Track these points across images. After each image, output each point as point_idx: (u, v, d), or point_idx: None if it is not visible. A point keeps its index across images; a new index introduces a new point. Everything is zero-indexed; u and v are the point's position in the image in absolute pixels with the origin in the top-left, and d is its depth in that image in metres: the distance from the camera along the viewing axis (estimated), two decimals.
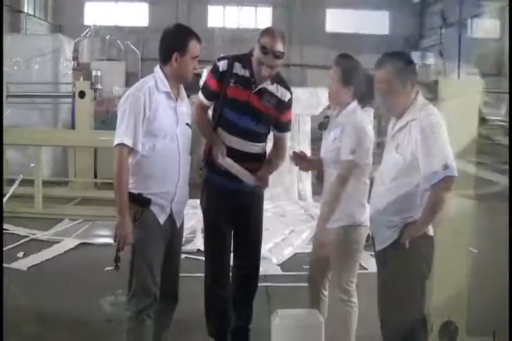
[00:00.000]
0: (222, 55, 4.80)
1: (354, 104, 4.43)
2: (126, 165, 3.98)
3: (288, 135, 4.89)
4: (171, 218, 4.22)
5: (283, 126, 4.79)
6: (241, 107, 4.53)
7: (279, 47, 4.39)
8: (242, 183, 4.58)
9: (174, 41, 4.13)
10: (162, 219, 4.15)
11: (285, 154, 4.88)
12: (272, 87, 4.61)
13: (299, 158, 4.68)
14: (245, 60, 4.57)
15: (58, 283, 6.50)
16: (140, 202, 4.07)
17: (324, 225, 4.38)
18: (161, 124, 4.07)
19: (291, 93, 4.73)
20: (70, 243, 8.13)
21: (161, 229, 4.15)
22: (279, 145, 4.85)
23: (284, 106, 4.69)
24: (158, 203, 4.12)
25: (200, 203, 4.85)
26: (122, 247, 4.01)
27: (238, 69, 4.57)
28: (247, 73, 4.55)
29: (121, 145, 3.95)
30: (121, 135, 3.96)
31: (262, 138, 4.72)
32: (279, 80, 4.66)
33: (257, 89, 4.55)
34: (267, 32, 4.46)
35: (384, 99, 3.87)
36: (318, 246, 4.60)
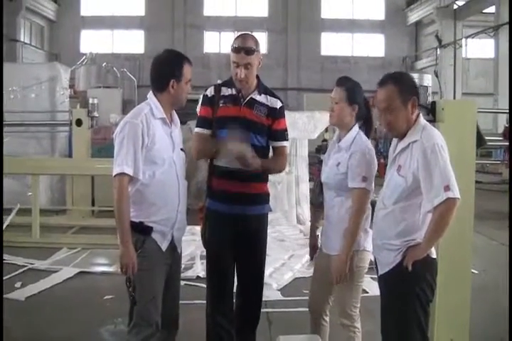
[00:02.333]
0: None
1: (356, 127, 4.40)
2: (127, 194, 3.96)
3: (286, 145, 4.82)
4: (172, 244, 4.21)
5: (279, 135, 4.75)
6: (232, 122, 4.53)
7: (250, 43, 4.52)
8: (245, 208, 4.58)
9: (170, 68, 4.14)
10: (164, 246, 4.14)
11: (285, 162, 4.86)
12: (261, 97, 4.66)
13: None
14: (229, 82, 4.69)
15: (57, 312, 6.43)
16: (142, 230, 4.05)
17: (326, 255, 4.38)
18: (160, 151, 4.06)
19: (281, 102, 4.77)
20: (68, 272, 8.05)
21: (162, 256, 4.14)
22: (278, 155, 4.78)
23: (277, 114, 4.70)
24: (160, 230, 4.10)
25: (202, 233, 4.80)
26: (131, 276, 3.99)
27: (225, 91, 4.66)
28: (233, 91, 4.64)
29: (122, 174, 3.93)
30: (121, 164, 3.94)
31: (262, 152, 4.64)
32: (267, 92, 4.72)
33: (246, 100, 4.61)
34: (238, 36, 4.62)
35: (385, 118, 3.84)
36: (319, 271, 4.57)
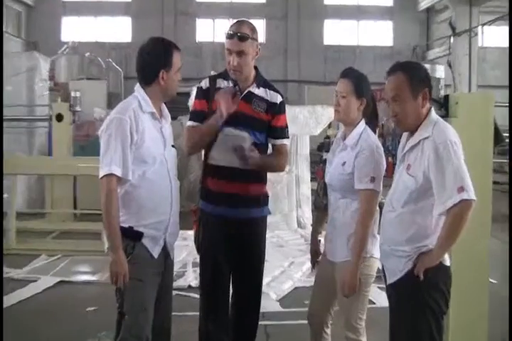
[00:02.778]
0: None
1: (363, 123, 4.39)
2: (116, 197, 3.95)
3: (287, 143, 4.84)
4: (164, 250, 4.21)
5: (278, 132, 4.76)
6: (230, 118, 4.52)
7: (244, 29, 4.53)
8: (242, 211, 4.59)
9: (158, 58, 4.13)
10: (156, 252, 4.13)
11: (285, 161, 4.88)
12: (260, 91, 4.68)
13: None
14: (225, 73, 4.70)
15: (35, 326, 6.42)
16: (131, 236, 4.04)
17: (330, 262, 4.37)
18: (150, 148, 4.06)
19: (282, 96, 4.78)
20: (47, 281, 8.04)
21: (154, 263, 4.13)
22: (278, 154, 4.79)
23: (276, 109, 4.71)
24: (151, 235, 4.10)
25: (195, 238, 4.80)
26: (122, 286, 3.97)
27: (221, 83, 4.67)
28: (230, 83, 4.65)
29: (110, 175, 3.92)
30: (109, 164, 3.92)
31: (261, 151, 4.65)
32: (266, 85, 4.74)
33: (244, 94, 4.61)
34: (234, 22, 4.64)
35: (392, 109, 3.83)
36: (321, 280, 4.56)
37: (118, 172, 3.92)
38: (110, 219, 3.92)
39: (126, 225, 4.01)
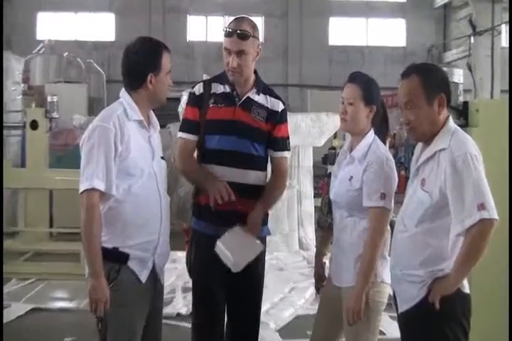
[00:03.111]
0: None
1: (372, 133, 4.41)
2: (98, 214, 3.94)
3: (288, 155, 4.87)
4: (153, 274, 4.19)
5: (279, 144, 4.79)
6: (226, 127, 4.56)
7: (245, 26, 4.54)
8: None
9: (146, 60, 4.15)
10: (143, 276, 4.12)
11: (285, 181, 4.91)
12: (260, 98, 4.69)
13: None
14: (222, 76, 4.71)
15: None
16: (116, 258, 4.03)
17: (336, 287, 4.38)
18: (136, 160, 4.06)
19: (284, 104, 4.80)
20: (19, 308, 8.03)
21: (142, 289, 4.11)
22: (277, 170, 4.83)
23: (278, 118, 4.73)
24: (138, 257, 4.08)
25: (187, 260, 4.80)
26: (102, 315, 3.95)
27: (216, 87, 4.67)
28: (227, 88, 4.66)
29: (92, 190, 3.91)
30: (91, 177, 3.92)
31: (260, 164, 4.70)
32: (266, 91, 4.75)
33: (242, 100, 4.62)
34: (234, 18, 4.66)
35: (405, 116, 3.84)
36: (326, 307, 4.55)
37: (101, 186, 3.91)
38: (91, 239, 3.90)
39: (109, 246, 4.00)
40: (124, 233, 4.04)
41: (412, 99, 3.80)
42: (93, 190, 3.90)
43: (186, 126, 4.71)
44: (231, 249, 4.37)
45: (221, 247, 4.40)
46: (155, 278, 4.22)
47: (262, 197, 4.68)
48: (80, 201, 3.94)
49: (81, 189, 3.93)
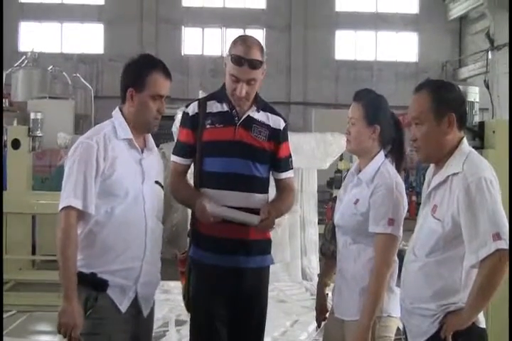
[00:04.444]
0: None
1: (381, 155, 4.42)
2: (73, 234, 3.98)
3: (292, 174, 4.89)
4: (135, 304, 4.19)
5: (283, 164, 4.82)
6: (227, 148, 4.58)
7: (256, 53, 4.50)
8: (241, 260, 4.59)
9: (130, 74, 4.23)
10: (124, 306, 4.13)
11: (292, 199, 4.91)
12: (260, 115, 4.70)
13: None
14: (220, 94, 4.71)
15: None
16: (94, 284, 4.04)
17: (339, 320, 4.38)
18: (121, 180, 4.10)
19: (285, 120, 4.82)
20: None
21: (121, 320, 4.11)
22: (282, 189, 4.85)
23: (280, 136, 4.76)
24: (118, 285, 4.09)
25: (184, 293, 4.78)
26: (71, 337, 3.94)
27: (213, 107, 4.68)
28: (224, 107, 4.66)
29: (69, 208, 3.95)
30: (68, 195, 3.98)
31: (263, 186, 4.72)
32: (267, 108, 4.76)
33: (243, 119, 4.63)
34: (239, 39, 4.60)
35: (413, 134, 3.86)
36: None
37: (77, 204, 3.96)
38: (65, 260, 3.94)
39: (88, 271, 4.03)
40: (103, 257, 4.07)
41: (419, 115, 3.83)
42: (70, 208, 3.95)
43: (179, 150, 4.74)
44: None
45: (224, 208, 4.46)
46: (137, 310, 4.22)
47: (270, 202, 4.72)
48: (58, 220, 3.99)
49: (60, 207, 3.98)
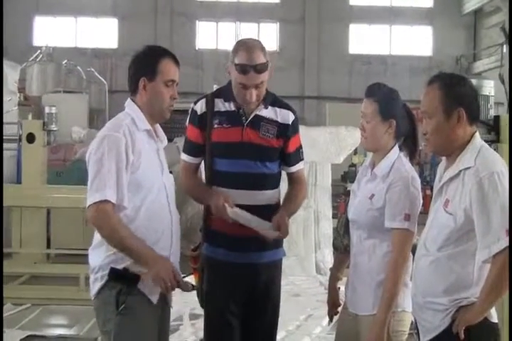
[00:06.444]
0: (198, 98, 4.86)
1: (396, 150, 4.40)
2: (118, 219, 3.94)
3: (303, 165, 4.89)
4: (163, 295, 4.18)
5: (293, 158, 4.81)
6: (235, 150, 4.57)
7: (259, 57, 4.46)
8: (252, 256, 4.60)
9: (140, 64, 4.24)
10: (155, 298, 4.12)
11: (304, 193, 4.91)
12: (268, 111, 4.66)
13: None
14: (226, 92, 4.68)
15: None
16: (126, 280, 4.02)
17: (353, 315, 4.39)
18: (147, 172, 4.10)
19: (294, 112, 4.78)
20: (13, 336, 7.99)
21: (152, 313, 4.13)
22: (296, 182, 4.85)
23: (290, 131, 4.73)
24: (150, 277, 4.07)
25: (197, 289, 4.72)
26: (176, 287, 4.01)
27: (220, 105, 4.65)
28: (231, 106, 4.63)
29: (104, 202, 3.90)
30: (102, 188, 3.92)
31: (273, 182, 4.72)
32: (274, 102, 4.72)
33: (250, 119, 4.60)
34: (238, 46, 4.56)
35: (424, 127, 3.87)
36: (342, 337, 4.57)
37: (112, 198, 3.92)
38: (125, 238, 3.92)
39: (119, 266, 4.01)
40: None
41: (429, 109, 3.83)
42: (105, 202, 3.91)
43: (189, 149, 4.74)
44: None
45: (237, 211, 4.43)
46: (164, 301, 4.23)
47: (282, 205, 4.72)
48: (89, 217, 3.96)
49: (90, 202, 3.93)
